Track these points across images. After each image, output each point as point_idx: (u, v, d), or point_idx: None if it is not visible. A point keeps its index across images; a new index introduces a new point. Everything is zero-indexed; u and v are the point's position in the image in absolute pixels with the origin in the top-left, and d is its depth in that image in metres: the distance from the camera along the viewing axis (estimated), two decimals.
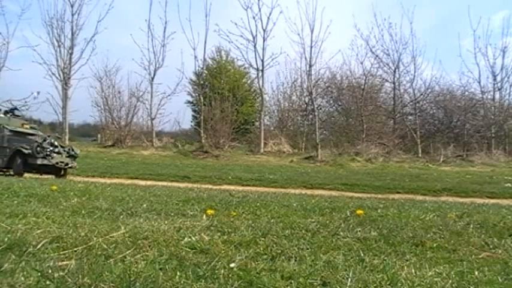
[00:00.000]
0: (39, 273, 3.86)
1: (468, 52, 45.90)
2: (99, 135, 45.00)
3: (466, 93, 43.41)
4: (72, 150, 20.91)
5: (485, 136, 41.75)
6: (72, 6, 41.07)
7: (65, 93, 40.25)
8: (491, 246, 5.83)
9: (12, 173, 19.08)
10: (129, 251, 4.73)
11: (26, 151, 18.61)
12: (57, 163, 19.50)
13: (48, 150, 19.19)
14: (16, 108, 22.85)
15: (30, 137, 20.45)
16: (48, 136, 20.82)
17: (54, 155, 19.41)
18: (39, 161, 18.76)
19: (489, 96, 43.34)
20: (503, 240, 6.19)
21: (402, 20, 53.64)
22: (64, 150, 20.40)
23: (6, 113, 21.73)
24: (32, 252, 4.54)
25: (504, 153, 37.57)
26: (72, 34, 41.01)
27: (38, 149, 18.74)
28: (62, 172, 20.26)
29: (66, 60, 40.69)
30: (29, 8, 59.06)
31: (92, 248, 4.77)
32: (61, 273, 3.87)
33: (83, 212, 7.52)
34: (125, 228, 5.68)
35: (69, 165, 20.45)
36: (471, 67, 45.42)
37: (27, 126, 21.77)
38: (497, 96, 43.44)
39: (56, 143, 20.19)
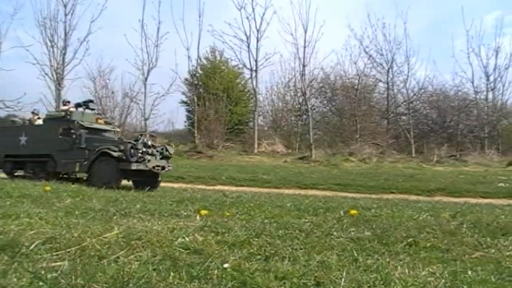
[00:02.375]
0: (32, 274, 3.84)
1: (461, 52, 46.12)
2: None
3: (460, 93, 43.61)
4: (166, 150, 17.18)
5: (478, 136, 41.88)
6: (65, 6, 40.93)
7: (58, 94, 40.07)
8: (484, 246, 5.85)
9: (90, 180, 15.65)
10: (123, 251, 4.72)
11: (115, 154, 15.24)
12: (154, 167, 16.03)
13: (143, 152, 15.83)
14: (91, 101, 19.19)
15: (106, 134, 17.76)
16: (141, 135, 17.03)
17: (148, 157, 15.91)
18: (133, 166, 15.21)
19: (482, 96, 43.57)
20: (497, 240, 6.20)
21: (396, 20, 53.77)
22: (157, 151, 16.71)
23: (78, 105, 18.21)
24: (24, 253, 4.52)
25: (497, 153, 37.68)
26: (65, 34, 40.89)
27: (132, 151, 15.20)
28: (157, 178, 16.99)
29: (60, 61, 40.54)
30: (21, 8, 58.81)
31: (85, 248, 4.76)
32: (54, 274, 3.86)
33: (76, 212, 7.50)
34: (119, 228, 5.66)
35: (166, 169, 16.99)
36: (464, 67, 45.69)
37: (102, 121, 18.46)
38: (490, 96, 43.68)
39: (149, 143, 16.54)
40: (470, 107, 43.71)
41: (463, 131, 43.04)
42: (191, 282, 3.92)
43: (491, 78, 42.81)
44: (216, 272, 4.16)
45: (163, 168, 16.60)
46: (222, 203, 10.04)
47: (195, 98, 41.56)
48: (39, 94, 40.51)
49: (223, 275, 4.09)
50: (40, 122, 18.49)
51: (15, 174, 17.73)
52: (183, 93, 45.31)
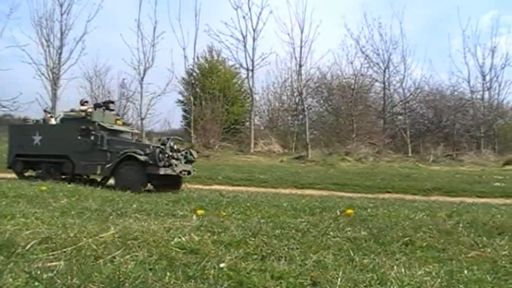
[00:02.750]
0: (27, 275, 3.84)
1: (458, 52, 46.11)
2: None
3: (456, 93, 43.65)
4: (190, 154, 16.80)
5: (474, 136, 41.94)
6: (61, 5, 40.82)
7: (54, 93, 39.99)
8: (480, 245, 5.86)
9: (115, 183, 15.40)
10: (119, 251, 4.71)
11: (141, 158, 14.74)
12: (181, 172, 15.60)
13: (169, 156, 15.32)
14: (111, 101, 18.86)
15: (125, 135, 17.17)
16: (168, 138, 16.42)
17: (174, 161, 15.40)
18: (161, 171, 14.74)
19: (478, 96, 43.62)
20: (493, 239, 6.21)
21: (392, 20, 53.91)
22: (181, 155, 16.26)
23: (97, 106, 17.63)
24: (20, 253, 4.52)
25: (493, 152, 37.72)
26: (62, 34, 40.78)
27: (161, 155, 14.76)
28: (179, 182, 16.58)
29: (56, 60, 40.43)
30: (17, 7, 58.73)
31: (81, 248, 4.75)
32: (50, 274, 3.85)
33: (72, 212, 7.50)
34: (115, 228, 5.66)
35: (191, 174, 16.75)
36: (461, 67, 45.91)
37: (120, 122, 17.85)
38: (486, 95, 43.75)
39: (175, 147, 16.25)
40: (467, 107, 43.77)
41: (459, 131, 43.09)
42: (187, 282, 3.92)
43: (487, 78, 42.95)
44: (212, 271, 4.16)
45: (189, 173, 16.28)
46: (218, 203, 10.03)
47: (192, 98, 41.52)
48: (35, 94, 40.43)
49: (220, 275, 4.09)
50: (53, 121, 18.11)
51: (26, 174, 17.16)
52: (180, 92, 45.29)
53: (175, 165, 15.35)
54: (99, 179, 17.17)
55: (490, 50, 43.01)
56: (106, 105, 17.71)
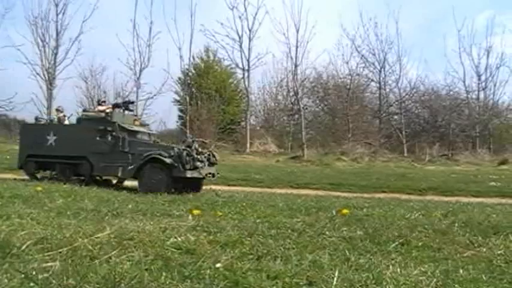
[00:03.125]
0: (23, 275, 3.83)
1: (453, 52, 46.01)
2: None
3: (451, 92, 43.68)
4: (213, 156, 16.19)
5: (470, 135, 42.00)
6: (56, 5, 40.73)
7: (49, 93, 39.89)
8: (475, 245, 5.87)
9: (138, 186, 14.76)
10: (115, 251, 4.71)
11: (167, 160, 14.32)
12: (206, 175, 15.23)
13: (194, 159, 14.75)
14: (131, 102, 18.25)
15: (143, 136, 16.62)
16: (193, 141, 16.05)
17: (199, 164, 14.84)
18: (188, 174, 14.32)
19: (474, 96, 43.65)
20: (488, 239, 6.23)
21: (388, 20, 53.84)
22: (204, 157, 15.58)
23: (116, 106, 17.03)
24: (16, 253, 4.50)
25: (489, 152, 37.79)
26: (57, 34, 40.70)
27: (187, 158, 14.35)
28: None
29: (51, 60, 40.35)
30: (12, 7, 58.51)
31: (77, 249, 4.75)
32: (45, 275, 3.85)
33: (68, 213, 7.49)
34: (110, 229, 5.65)
35: (215, 177, 16.09)
36: (456, 67, 45.64)
37: (138, 123, 17.31)
38: (481, 95, 43.80)
39: (199, 149, 15.75)
40: (462, 107, 43.83)
41: (455, 131, 43.14)
42: (183, 282, 3.92)
43: (483, 78, 43.03)
44: (208, 271, 4.16)
45: (213, 175, 15.76)
46: (214, 203, 10.04)
47: (188, 98, 41.51)
48: (30, 94, 40.34)
49: (216, 275, 4.09)
50: (67, 121, 17.68)
51: (39, 175, 16.44)
52: (176, 92, 45.24)
53: (202, 168, 14.96)
54: (114, 181, 16.83)
55: (486, 50, 43.14)
56: (126, 105, 17.29)
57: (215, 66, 46.27)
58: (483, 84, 43.25)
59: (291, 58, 41.18)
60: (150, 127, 20.22)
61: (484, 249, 5.61)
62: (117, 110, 16.54)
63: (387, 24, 48.36)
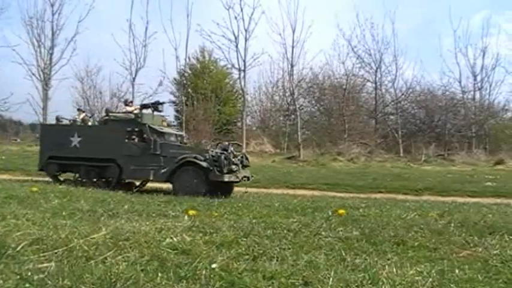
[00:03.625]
0: (18, 276, 3.82)
1: (449, 52, 46.03)
2: None
3: (447, 93, 43.68)
4: (246, 158, 15.75)
5: (466, 135, 42.05)
6: (52, 5, 40.56)
7: (45, 94, 39.79)
8: (471, 245, 5.88)
9: (173, 190, 14.20)
10: (110, 252, 4.70)
11: (203, 164, 13.96)
12: (242, 178, 14.72)
13: (230, 162, 14.27)
14: (160, 103, 17.24)
15: (172, 138, 16.13)
16: (228, 143, 15.54)
17: (234, 167, 14.34)
18: (226, 178, 13.90)
19: (469, 96, 43.70)
20: (484, 239, 6.25)
21: (384, 20, 53.81)
22: (238, 160, 15.00)
23: (145, 107, 16.50)
24: (11, 254, 4.49)
25: (485, 152, 37.83)
26: (53, 34, 40.57)
27: (226, 162, 13.94)
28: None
29: (47, 61, 40.22)
30: (8, 7, 58.31)
31: (73, 249, 4.74)
32: (41, 276, 3.84)
33: (63, 213, 7.47)
34: (106, 229, 5.64)
35: (250, 180, 15.61)
36: (452, 67, 45.63)
37: (165, 124, 16.76)
38: (477, 96, 43.83)
39: (234, 152, 15.11)
40: (458, 107, 43.87)
41: (451, 131, 43.17)
42: (179, 283, 3.92)
43: (478, 78, 43.03)
44: (204, 272, 4.16)
45: (248, 178, 15.21)
46: (210, 203, 10.05)
47: (184, 98, 41.47)
48: (26, 95, 40.28)
49: (211, 275, 4.09)
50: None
51: (61, 178, 15.88)
52: (172, 93, 45.20)
53: (239, 171, 14.58)
54: (137, 183, 16.35)
55: (481, 50, 43.13)
56: (155, 106, 16.52)
57: (211, 67, 46.27)
58: (479, 84, 43.34)
59: (287, 58, 41.17)
60: (178, 128, 19.81)
61: (480, 249, 5.62)
62: (144, 110, 16.05)
63: (383, 24, 48.22)
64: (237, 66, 40.36)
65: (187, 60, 44.36)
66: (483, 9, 78.46)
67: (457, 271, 4.54)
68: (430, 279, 4.19)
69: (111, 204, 9.02)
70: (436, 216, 8.51)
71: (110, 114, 16.59)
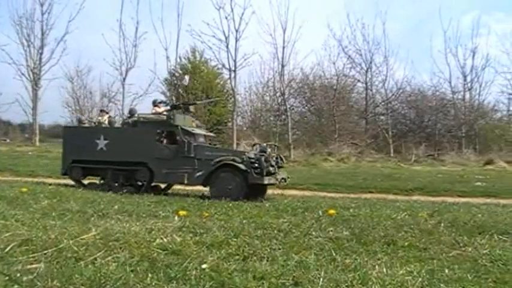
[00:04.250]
0: (7, 277, 3.80)
1: (439, 53, 46.12)
2: None
3: (437, 93, 43.74)
4: (281, 159, 15.07)
5: (456, 136, 42.14)
6: (42, 5, 40.37)
7: (35, 94, 39.60)
8: (461, 245, 5.90)
9: (210, 193, 13.75)
10: (100, 253, 4.69)
11: (242, 166, 13.41)
12: (280, 180, 14.22)
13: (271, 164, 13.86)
14: (190, 103, 17.08)
15: (200, 139, 15.28)
16: (266, 144, 15.12)
17: (271, 169, 13.83)
18: (266, 180, 13.41)
19: (459, 96, 43.77)
20: (473, 239, 6.27)
21: (375, 21, 53.76)
22: (274, 161, 14.38)
23: (175, 107, 15.96)
24: (0, 255, 4.47)
25: (474, 152, 37.91)
26: (42, 34, 40.38)
27: (265, 164, 13.45)
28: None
29: (36, 60, 40.04)
30: None
31: (62, 250, 4.72)
32: (30, 277, 3.82)
33: (53, 214, 7.44)
34: (96, 230, 5.63)
35: (287, 181, 15.03)
36: (442, 67, 45.73)
37: (195, 125, 15.97)
38: (467, 96, 43.91)
39: (272, 154, 14.54)
40: (448, 107, 43.98)
41: (441, 131, 43.26)
42: (169, 283, 3.91)
43: (468, 79, 43.13)
44: (194, 272, 4.15)
45: (285, 180, 14.64)
46: (200, 204, 10.04)
47: (174, 98, 41.41)
48: (15, 95, 40.15)
49: (202, 276, 4.09)
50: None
51: (85, 182, 15.27)
52: (162, 93, 45.11)
53: (278, 173, 14.16)
54: (162, 186, 15.60)
55: (471, 51, 43.23)
56: (186, 106, 16.12)
57: (202, 67, 46.17)
58: (469, 84, 43.46)
59: (278, 59, 41.16)
60: (207, 128, 19.07)
61: (470, 249, 5.64)
62: (175, 111, 15.35)
63: (374, 25, 48.31)
64: (227, 66, 40.32)
65: (178, 60, 44.34)
66: (473, 10, 78.53)
67: (446, 271, 4.56)
68: (420, 279, 4.20)
69: (101, 205, 9.00)
70: (426, 216, 8.53)
71: (139, 115, 15.73)
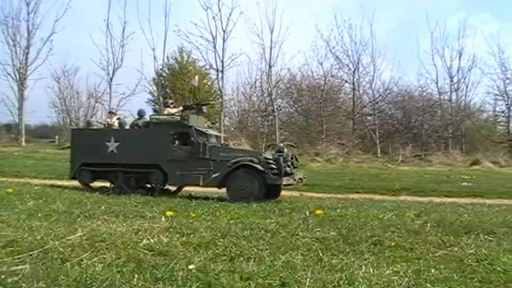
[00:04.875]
0: None
1: (426, 53, 46.32)
2: (56, 137, 44.26)
3: (424, 93, 43.92)
4: (296, 159, 14.74)
5: (442, 136, 42.33)
6: (28, 4, 40.11)
7: (21, 94, 39.39)
8: (447, 245, 5.94)
9: (227, 195, 13.31)
10: (86, 254, 4.67)
11: (259, 167, 13.12)
12: (298, 180, 14.03)
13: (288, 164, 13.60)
14: (203, 104, 16.68)
15: (212, 139, 14.98)
16: (282, 144, 15.05)
17: (288, 169, 13.51)
18: (284, 181, 13.15)
19: (446, 97, 43.97)
20: (460, 238, 6.31)
21: (362, 22, 53.86)
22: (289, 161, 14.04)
23: (188, 108, 15.70)
24: None
25: (461, 152, 38.10)
26: (28, 33, 40.12)
27: (283, 164, 13.19)
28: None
29: (22, 60, 39.79)
30: None
31: (48, 251, 4.70)
32: (15, 278, 3.80)
33: (39, 215, 7.40)
34: (82, 231, 5.60)
35: (302, 181, 14.79)
36: (429, 68, 45.90)
37: (207, 125, 15.90)
38: (454, 97, 44.12)
39: (289, 154, 14.38)
40: (435, 108, 44.19)
41: (428, 131, 43.44)
42: (155, 284, 3.90)
43: (455, 79, 43.35)
44: (180, 273, 4.15)
45: (301, 180, 14.40)
46: (187, 204, 10.02)
47: (161, 99, 41.34)
48: (1, 95, 39.90)
49: (188, 277, 4.08)
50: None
51: (93, 185, 14.80)
52: (150, 93, 45.04)
53: (295, 173, 13.88)
54: (173, 189, 15.17)
55: (458, 52, 43.48)
56: (199, 107, 15.72)
57: (189, 67, 46.09)
58: (455, 85, 43.69)
59: (265, 59, 41.17)
60: (219, 129, 18.66)
61: (456, 249, 5.67)
62: (188, 112, 15.04)
63: (361, 25, 48.40)
64: (215, 66, 40.33)
65: (166, 60, 44.27)
66: (460, 11, 78.97)
67: (433, 270, 4.58)
68: (406, 279, 4.22)
69: (87, 205, 8.96)
70: (412, 216, 8.58)
71: (152, 116, 15.37)
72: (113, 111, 16.91)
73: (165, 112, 15.50)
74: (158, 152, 13.90)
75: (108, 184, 14.62)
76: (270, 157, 13.21)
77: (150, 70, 44.36)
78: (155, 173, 13.99)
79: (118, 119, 16.20)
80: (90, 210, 8.12)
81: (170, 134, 13.98)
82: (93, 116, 41.53)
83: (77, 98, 43.53)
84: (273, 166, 12.93)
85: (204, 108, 15.79)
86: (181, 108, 15.87)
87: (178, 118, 14.24)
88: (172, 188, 14.97)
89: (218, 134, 16.29)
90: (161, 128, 14.24)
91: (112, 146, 14.39)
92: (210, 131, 15.09)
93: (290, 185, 13.76)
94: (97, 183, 14.71)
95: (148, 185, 14.28)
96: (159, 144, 14.01)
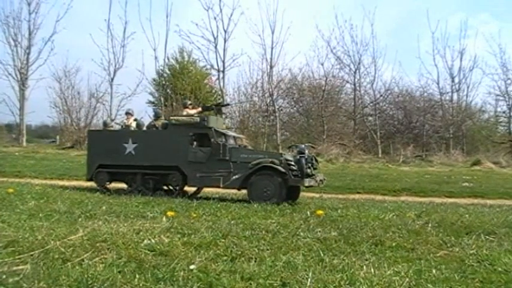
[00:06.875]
0: None
1: (427, 54, 46.29)
2: (57, 137, 44.23)
3: (425, 94, 43.88)
4: (316, 160, 14.46)
5: (443, 136, 42.28)
6: (29, 4, 40.09)
7: (22, 94, 39.40)
8: (448, 245, 5.93)
9: (249, 196, 13.03)
10: (87, 254, 4.67)
11: (281, 168, 12.87)
12: (320, 181, 13.66)
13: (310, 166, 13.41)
14: (222, 104, 16.64)
15: (230, 140, 14.46)
16: (304, 146, 14.31)
17: (309, 171, 13.26)
18: (306, 183, 12.90)
19: (447, 98, 43.92)
20: (460, 239, 6.30)
21: (363, 22, 53.91)
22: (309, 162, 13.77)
23: (207, 109, 15.87)
24: None
25: (462, 153, 38.03)
26: (30, 33, 40.12)
27: (306, 165, 13.01)
28: None
29: (23, 60, 39.78)
30: None
31: (49, 251, 4.70)
32: (16, 278, 3.79)
33: (40, 215, 7.39)
34: (83, 231, 5.60)
35: (323, 183, 14.32)
36: (430, 69, 45.93)
37: (224, 126, 15.57)
38: (455, 97, 44.06)
39: (311, 155, 14.15)
40: (436, 108, 44.15)
41: (429, 132, 43.41)
42: (156, 284, 3.90)
43: (456, 80, 43.30)
44: (182, 273, 4.14)
45: (322, 181, 14.00)
46: (188, 204, 10.02)
47: (162, 99, 41.32)
48: (2, 95, 39.90)
49: (189, 277, 4.08)
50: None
51: (110, 187, 14.58)
52: (150, 93, 45.04)
53: (316, 175, 13.56)
54: (190, 191, 14.95)
55: (459, 52, 43.43)
56: (218, 108, 15.61)
57: (190, 67, 46.08)
58: (456, 86, 43.64)
59: (266, 59, 41.15)
60: (236, 130, 18.42)
61: (457, 249, 5.67)
62: (207, 113, 15.02)
63: (362, 26, 48.44)
64: (216, 67, 40.34)
65: (166, 60, 44.26)
66: (460, 11, 78.95)
67: (434, 271, 4.57)
68: (407, 279, 4.21)
69: (88, 206, 8.96)
70: (413, 216, 8.58)
71: (171, 117, 15.04)
72: (130, 112, 16.38)
73: (184, 113, 15.26)
74: (178, 154, 13.76)
75: (125, 186, 14.50)
76: (291, 158, 13.01)
77: (151, 70, 44.31)
78: (174, 174, 13.85)
79: (135, 120, 15.99)
80: (91, 211, 8.11)
81: (189, 135, 13.81)
82: (94, 116, 41.43)
83: (78, 98, 43.36)
84: (294, 168, 12.74)
85: (224, 109, 14.99)
86: (200, 109, 15.72)
87: (198, 119, 14.01)
88: (190, 190, 14.82)
89: (237, 136, 15.99)
90: (180, 129, 14.02)
91: (130, 147, 14.31)
92: (230, 132, 14.89)
93: (311, 186, 13.50)
94: (114, 185, 14.45)
95: (165, 187, 14.17)
96: (178, 145, 13.84)
